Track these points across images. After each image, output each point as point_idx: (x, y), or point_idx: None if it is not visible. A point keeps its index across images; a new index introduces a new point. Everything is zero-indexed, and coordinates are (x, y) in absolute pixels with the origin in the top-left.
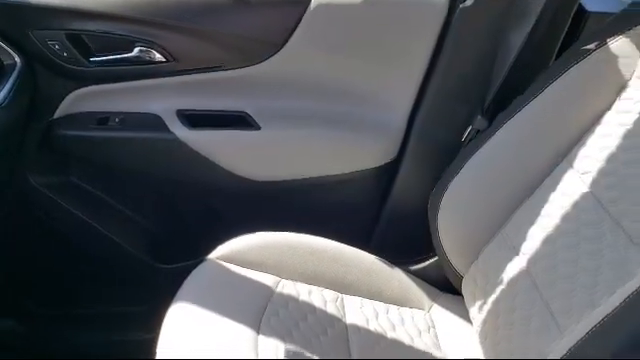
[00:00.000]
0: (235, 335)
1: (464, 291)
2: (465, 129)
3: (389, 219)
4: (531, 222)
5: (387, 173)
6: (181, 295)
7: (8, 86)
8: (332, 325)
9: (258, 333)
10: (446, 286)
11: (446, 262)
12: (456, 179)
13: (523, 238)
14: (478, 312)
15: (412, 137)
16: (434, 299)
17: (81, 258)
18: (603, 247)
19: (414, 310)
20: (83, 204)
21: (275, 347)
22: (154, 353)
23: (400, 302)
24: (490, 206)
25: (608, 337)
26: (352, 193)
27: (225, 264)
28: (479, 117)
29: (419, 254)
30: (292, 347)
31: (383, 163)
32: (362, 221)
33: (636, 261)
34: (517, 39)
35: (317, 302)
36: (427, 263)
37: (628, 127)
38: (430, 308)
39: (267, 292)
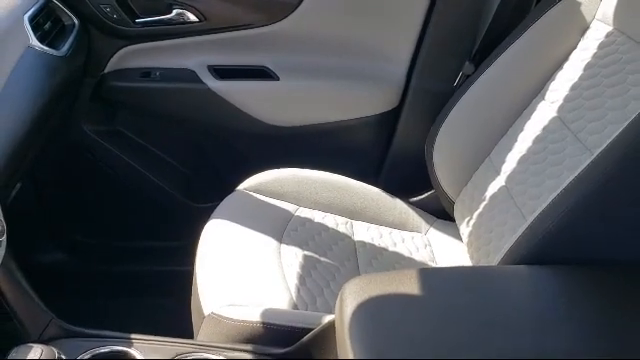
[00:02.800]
0: (262, 244)
1: (456, 214)
2: (457, 76)
3: (392, 160)
4: (510, 147)
5: (390, 119)
6: (215, 215)
7: (69, 42)
8: (342, 240)
9: (280, 243)
10: (441, 214)
11: (441, 191)
12: (448, 119)
13: (503, 161)
14: (466, 227)
15: (411, 87)
16: (431, 224)
17: (125, 196)
18: (564, 157)
19: (413, 233)
20: (127, 149)
21: (294, 253)
22: (189, 283)
23: (401, 226)
24: (478, 139)
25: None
26: (359, 137)
27: (251, 194)
28: (467, 63)
29: (419, 189)
30: (309, 253)
31: (386, 110)
32: (369, 162)
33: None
34: None
35: (330, 224)
36: (425, 195)
37: (588, 60)
38: (427, 231)
39: (287, 215)
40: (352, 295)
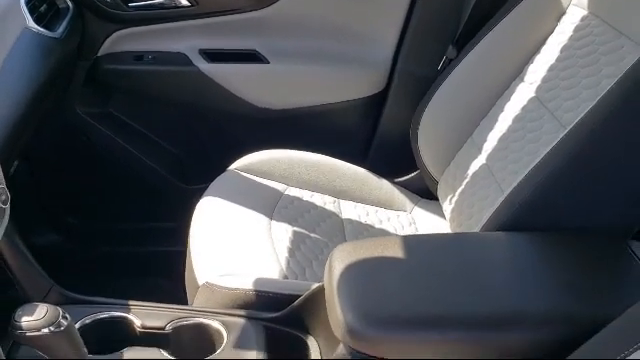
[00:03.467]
0: (253, 219)
1: (439, 193)
2: (441, 60)
3: (379, 142)
4: (491, 127)
5: (376, 102)
6: (208, 193)
7: (64, 25)
8: (330, 217)
9: (271, 219)
10: (426, 193)
11: (425, 171)
12: (431, 102)
13: (484, 140)
14: (449, 205)
15: (397, 70)
16: (415, 203)
17: (118, 178)
18: (542, 134)
19: (399, 212)
20: (120, 131)
21: (284, 229)
22: (184, 263)
23: (387, 205)
24: (460, 121)
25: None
26: (347, 119)
27: (242, 173)
28: (450, 47)
29: (404, 170)
30: (298, 229)
31: (372, 93)
32: (356, 144)
33: None
34: None
35: (318, 202)
36: (410, 175)
37: (564, 43)
38: (412, 210)
39: (277, 194)
40: (340, 259)
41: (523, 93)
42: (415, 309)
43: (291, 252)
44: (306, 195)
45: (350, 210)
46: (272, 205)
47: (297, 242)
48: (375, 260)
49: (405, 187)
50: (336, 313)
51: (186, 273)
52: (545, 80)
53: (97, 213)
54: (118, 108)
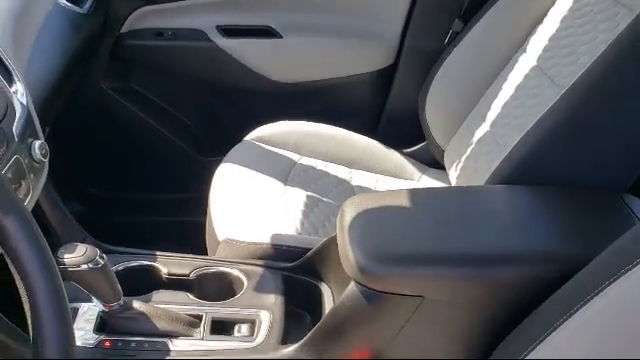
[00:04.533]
0: (268, 184)
1: (446, 161)
2: (447, 34)
3: (388, 114)
4: (495, 96)
5: (386, 76)
6: (226, 161)
7: (90, 1)
8: (341, 184)
9: (285, 185)
10: (433, 163)
11: (432, 142)
12: (438, 75)
13: (488, 109)
14: (455, 171)
15: (405, 45)
16: (423, 172)
17: (138, 151)
18: (542, 100)
19: (407, 180)
20: (141, 105)
21: (298, 194)
22: (201, 232)
23: (396, 174)
24: (466, 92)
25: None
26: (357, 93)
27: (258, 143)
28: (456, 20)
29: (413, 141)
30: (311, 194)
31: (382, 67)
32: (366, 116)
33: None
34: None
35: (330, 171)
36: (418, 146)
37: (564, 14)
38: (419, 179)
39: (291, 162)
40: (351, 207)
41: (525, 63)
42: (419, 248)
43: (305, 214)
44: (319, 164)
45: (360, 178)
46: (286, 173)
47: (310, 205)
48: (383, 208)
49: (413, 157)
50: (347, 253)
51: (207, 230)
52: (546, 49)
53: (117, 184)
54: (139, 83)
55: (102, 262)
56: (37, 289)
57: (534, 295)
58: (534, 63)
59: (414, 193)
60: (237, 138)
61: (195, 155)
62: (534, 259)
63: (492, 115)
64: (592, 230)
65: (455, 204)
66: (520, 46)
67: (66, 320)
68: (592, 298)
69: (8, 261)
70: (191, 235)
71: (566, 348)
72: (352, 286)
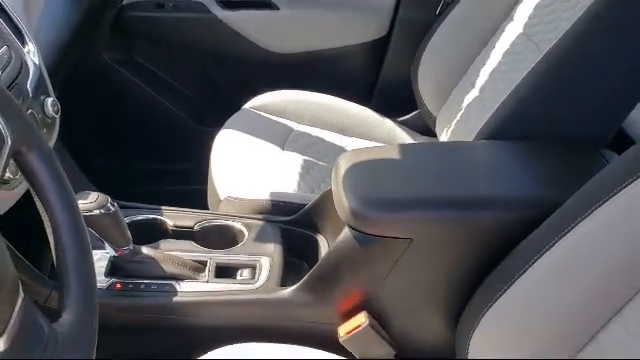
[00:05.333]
0: (266, 149)
1: (437, 128)
2: (439, 4)
3: (382, 84)
4: (483, 63)
5: (379, 47)
6: (225, 127)
7: None
8: (336, 150)
9: (283, 150)
10: (425, 131)
11: (424, 109)
12: (430, 44)
13: (477, 75)
14: (445, 136)
15: (398, 16)
16: (415, 139)
17: (140, 121)
18: (527, 64)
19: None
20: (142, 76)
21: (295, 158)
22: (203, 201)
23: (389, 142)
24: (456, 60)
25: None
26: (351, 63)
27: (256, 111)
28: None
29: (405, 110)
30: (307, 158)
31: (375, 38)
32: (361, 86)
33: None
34: None
35: (325, 137)
36: (411, 115)
37: None
38: None
39: (288, 129)
40: (345, 160)
41: (512, 30)
42: (408, 193)
43: (301, 176)
44: (315, 131)
45: (354, 145)
46: (284, 138)
47: (306, 168)
48: (375, 160)
49: (406, 125)
50: (341, 200)
51: (208, 191)
52: (532, 17)
53: (119, 154)
54: (141, 54)
55: (113, 209)
56: (62, 227)
57: (513, 237)
58: (520, 30)
59: (404, 147)
60: (236, 108)
61: (195, 125)
62: (513, 203)
63: (481, 81)
64: (568, 178)
65: (442, 156)
66: (507, 15)
67: (89, 258)
68: (563, 237)
69: (35, 197)
70: (192, 203)
71: (540, 285)
72: (346, 231)
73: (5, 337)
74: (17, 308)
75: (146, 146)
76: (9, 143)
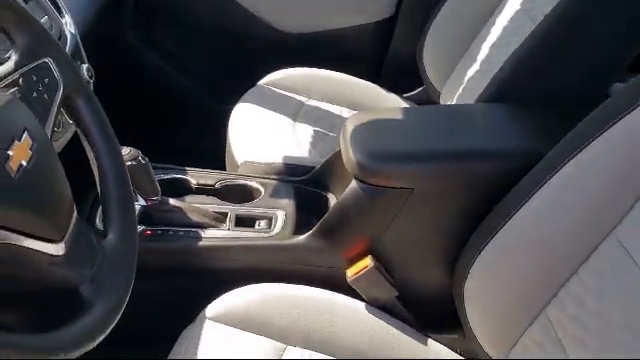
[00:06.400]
0: (279, 119)
1: (442, 103)
2: None
3: (389, 62)
4: (484, 39)
5: (387, 26)
6: (242, 101)
7: None
8: None
9: (295, 121)
10: None
11: (429, 85)
12: (434, 23)
13: (479, 50)
14: None
15: None
16: None
17: (158, 99)
18: (522, 37)
19: None
20: (160, 55)
21: (306, 129)
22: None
23: None
24: (459, 38)
25: None
26: (361, 42)
27: (269, 87)
28: None
29: (411, 87)
30: (318, 129)
31: (383, 18)
32: (369, 63)
33: None
34: None
35: (335, 111)
36: (417, 91)
37: None
38: None
39: (299, 103)
40: (353, 120)
41: (511, 7)
42: (409, 147)
43: (312, 145)
44: (324, 105)
45: None
46: (296, 111)
47: (317, 138)
48: (380, 120)
49: (412, 101)
50: (349, 155)
51: (227, 157)
52: None
53: (138, 133)
54: (160, 34)
55: (143, 162)
56: (104, 158)
57: (505, 186)
58: (518, 7)
59: (407, 109)
60: (251, 86)
61: (212, 103)
62: (505, 155)
63: (482, 56)
64: (555, 132)
65: (442, 116)
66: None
67: (128, 187)
68: (541, 186)
69: (83, 141)
70: None
71: (521, 231)
72: (353, 183)
73: (63, 244)
74: (73, 222)
75: (163, 124)
76: (62, 89)
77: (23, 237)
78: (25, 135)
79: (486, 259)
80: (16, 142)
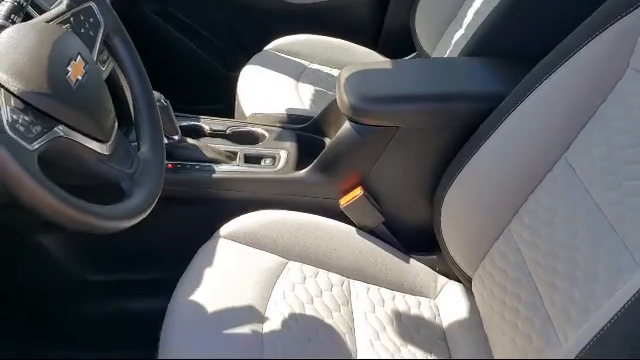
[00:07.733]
0: (283, 80)
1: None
2: None
3: (386, 31)
4: (470, 5)
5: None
6: (250, 63)
7: None
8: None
9: (298, 81)
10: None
11: (421, 50)
12: None
13: (465, 16)
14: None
15: None
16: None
17: (173, 66)
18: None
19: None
20: (176, 25)
21: (308, 88)
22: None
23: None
24: (447, 7)
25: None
26: (359, 12)
27: (274, 52)
28: None
29: (405, 53)
30: (319, 88)
31: None
32: (367, 32)
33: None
34: None
35: (334, 74)
36: (411, 56)
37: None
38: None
39: (302, 67)
40: (347, 69)
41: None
42: (396, 91)
43: (313, 101)
44: (325, 69)
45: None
46: (299, 73)
47: (317, 96)
48: (371, 70)
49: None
50: (342, 97)
51: (235, 111)
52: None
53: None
54: (174, 6)
55: (165, 104)
56: (137, 87)
57: (476, 124)
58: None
59: (395, 61)
60: (257, 52)
61: (222, 69)
62: (480, 96)
63: (467, 21)
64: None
65: (426, 66)
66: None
67: (156, 111)
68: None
69: (120, 75)
70: None
71: (486, 161)
72: (346, 123)
73: (108, 145)
74: (115, 130)
75: (177, 90)
76: (103, 28)
77: (79, 134)
78: (79, 57)
79: (459, 185)
80: (73, 62)
